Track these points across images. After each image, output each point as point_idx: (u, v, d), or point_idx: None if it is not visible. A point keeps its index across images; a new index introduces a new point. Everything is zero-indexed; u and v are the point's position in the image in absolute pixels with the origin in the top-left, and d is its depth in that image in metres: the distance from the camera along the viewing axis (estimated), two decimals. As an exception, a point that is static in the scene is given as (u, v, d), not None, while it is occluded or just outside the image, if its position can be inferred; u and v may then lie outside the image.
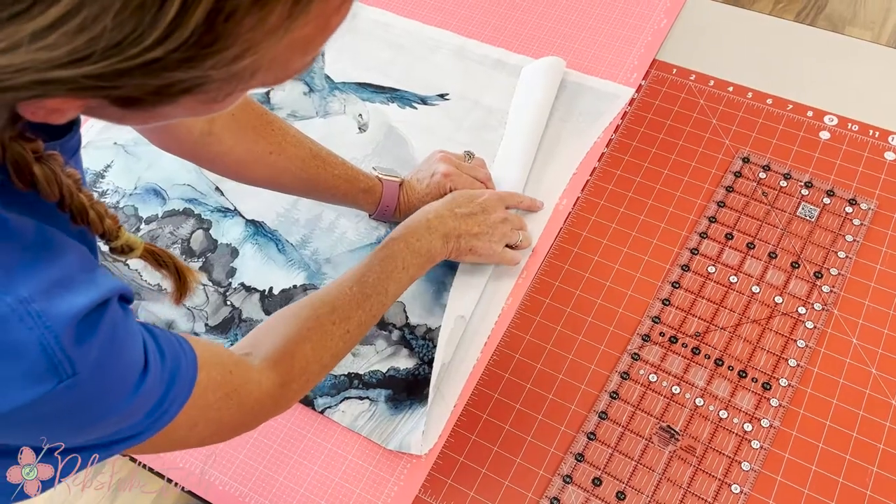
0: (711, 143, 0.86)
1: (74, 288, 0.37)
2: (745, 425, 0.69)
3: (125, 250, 0.44)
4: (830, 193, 0.81)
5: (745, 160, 0.84)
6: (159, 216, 0.88)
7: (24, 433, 0.39)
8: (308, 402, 0.74)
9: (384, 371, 0.75)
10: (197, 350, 0.48)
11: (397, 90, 0.95)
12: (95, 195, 0.90)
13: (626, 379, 0.72)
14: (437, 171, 0.81)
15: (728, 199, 0.82)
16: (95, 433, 0.41)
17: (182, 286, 0.48)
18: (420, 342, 0.76)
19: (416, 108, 0.93)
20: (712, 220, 0.80)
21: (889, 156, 0.83)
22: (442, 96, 0.94)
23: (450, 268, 0.80)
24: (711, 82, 0.90)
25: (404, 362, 0.75)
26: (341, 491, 0.69)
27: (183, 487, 0.71)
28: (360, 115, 0.94)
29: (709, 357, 0.73)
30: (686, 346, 0.74)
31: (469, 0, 1.02)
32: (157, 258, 0.46)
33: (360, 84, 0.96)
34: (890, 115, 0.85)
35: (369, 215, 0.83)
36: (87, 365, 0.37)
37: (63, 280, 0.37)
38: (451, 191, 0.80)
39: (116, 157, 0.93)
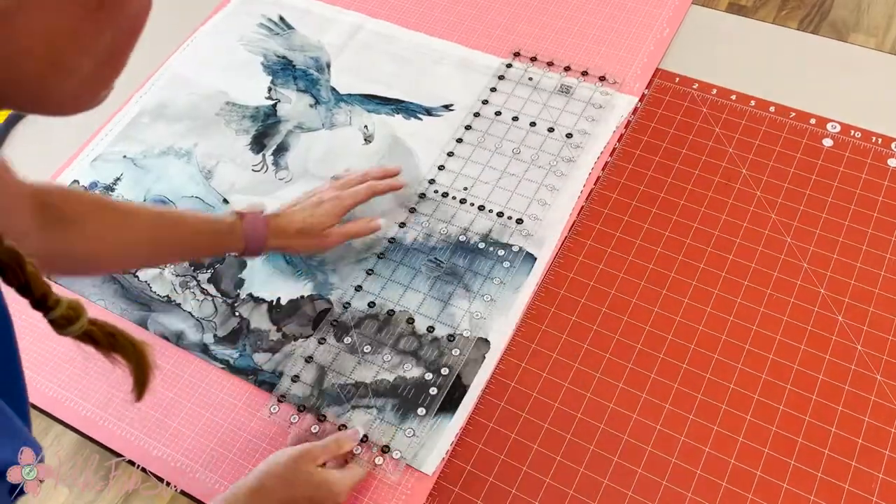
0: (715, 151, 0.86)
1: None
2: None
3: (70, 320, 0.34)
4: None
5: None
6: (168, 228, 0.89)
7: None
8: (315, 411, 0.75)
9: (391, 380, 0.76)
10: None
11: (402, 102, 0.96)
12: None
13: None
14: (324, 198, 0.79)
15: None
16: None
17: (142, 372, 0.37)
18: (426, 351, 0.77)
19: (421, 119, 0.94)
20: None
21: (892, 162, 0.83)
22: (447, 107, 0.95)
23: (454, 275, 0.81)
24: (714, 91, 0.91)
25: (411, 371, 0.76)
26: (348, 499, 0.70)
27: (184, 492, 0.72)
28: (366, 126, 0.95)
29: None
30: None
31: (473, 12, 1.03)
32: (105, 332, 0.36)
33: (365, 96, 0.97)
34: (893, 121, 0.86)
35: (236, 256, 0.79)
36: None
37: None
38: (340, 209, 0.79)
39: (126, 170, 0.94)
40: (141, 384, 0.37)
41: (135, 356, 0.36)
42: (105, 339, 0.35)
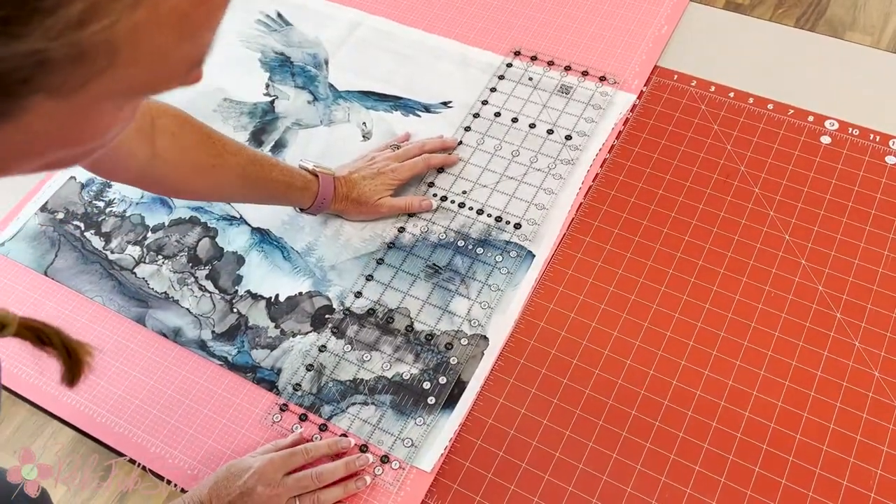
0: (713, 148, 0.86)
1: None
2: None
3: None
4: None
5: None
6: (166, 224, 0.89)
7: None
8: (315, 410, 0.75)
9: (390, 377, 0.76)
10: None
11: (401, 98, 0.96)
12: (102, 204, 0.91)
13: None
14: (385, 170, 0.84)
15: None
16: None
17: (74, 366, 0.36)
18: (425, 349, 0.77)
19: (419, 115, 0.94)
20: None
21: (890, 160, 0.83)
22: (445, 104, 0.95)
23: (455, 272, 0.81)
24: (712, 88, 0.91)
25: (410, 368, 0.76)
26: (349, 497, 0.70)
27: (185, 490, 0.72)
28: (364, 123, 0.94)
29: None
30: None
31: (472, 9, 1.03)
32: (39, 335, 0.35)
33: (364, 92, 0.97)
34: (890, 119, 0.86)
35: (301, 210, 0.84)
36: None
37: None
38: (396, 182, 0.84)
39: (123, 167, 0.94)
40: (72, 376, 0.36)
41: (64, 353, 0.36)
42: (35, 340, 0.35)
